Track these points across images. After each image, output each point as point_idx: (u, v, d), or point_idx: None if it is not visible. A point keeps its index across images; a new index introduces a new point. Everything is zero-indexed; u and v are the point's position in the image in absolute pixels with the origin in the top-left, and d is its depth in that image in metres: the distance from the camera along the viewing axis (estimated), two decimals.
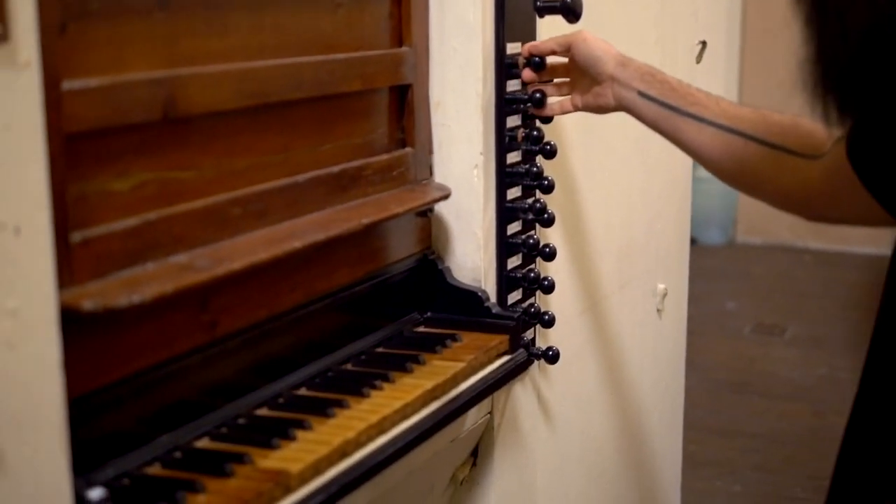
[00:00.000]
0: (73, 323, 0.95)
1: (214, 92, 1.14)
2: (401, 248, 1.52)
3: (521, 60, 1.59)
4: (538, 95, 1.58)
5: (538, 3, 1.61)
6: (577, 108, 1.61)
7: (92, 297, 0.97)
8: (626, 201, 2.11)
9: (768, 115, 1.45)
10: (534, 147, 1.62)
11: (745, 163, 1.46)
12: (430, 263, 1.57)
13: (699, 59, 2.59)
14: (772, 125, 1.44)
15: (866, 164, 1.28)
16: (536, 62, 1.57)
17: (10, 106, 0.85)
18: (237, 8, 1.18)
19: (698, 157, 1.52)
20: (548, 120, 1.63)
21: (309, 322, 1.35)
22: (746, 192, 1.54)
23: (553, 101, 1.61)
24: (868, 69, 1.00)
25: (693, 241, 2.66)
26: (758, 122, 1.44)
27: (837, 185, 1.32)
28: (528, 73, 1.59)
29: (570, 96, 1.61)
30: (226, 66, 1.16)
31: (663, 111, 1.51)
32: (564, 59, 1.59)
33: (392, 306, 1.53)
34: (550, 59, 1.60)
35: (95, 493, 0.97)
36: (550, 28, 1.67)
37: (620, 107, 1.56)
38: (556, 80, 1.62)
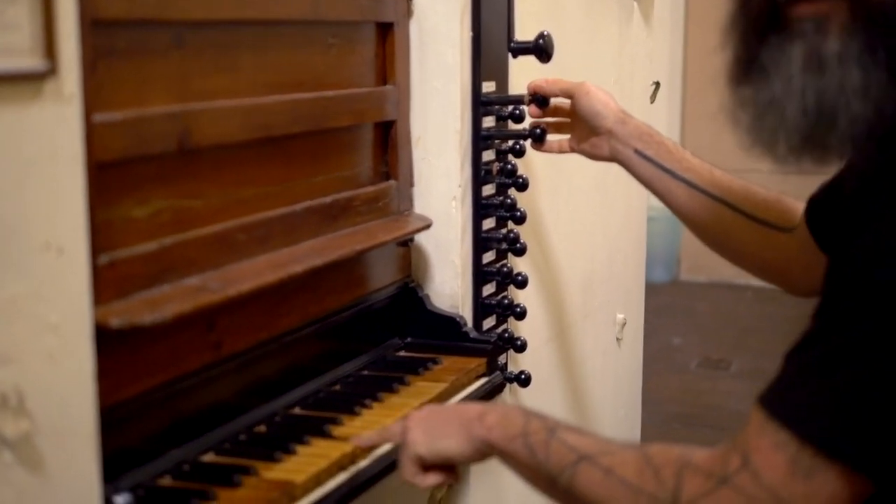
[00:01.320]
0: (101, 339, 1.01)
1: (224, 125, 1.22)
2: (384, 275, 1.59)
3: (527, 97, 1.66)
4: (538, 131, 1.65)
5: (512, 45, 1.70)
6: (573, 151, 1.66)
7: (118, 314, 1.04)
8: (588, 235, 2.21)
9: (754, 189, 1.48)
10: (507, 180, 1.71)
11: (731, 233, 1.51)
12: (410, 291, 1.65)
13: (653, 98, 2.71)
14: (757, 199, 1.48)
15: (821, 226, 1.33)
16: (540, 100, 1.64)
17: (58, 136, 0.92)
18: (243, 47, 1.26)
19: (687, 220, 1.56)
20: (520, 154, 1.71)
21: (301, 345, 1.42)
22: (729, 259, 1.57)
23: (552, 139, 1.68)
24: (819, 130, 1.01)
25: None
26: (744, 195, 1.48)
27: (809, 255, 1.35)
28: (533, 110, 1.65)
29: (568, 137, 1.67)
30: (234, 101, 1.24)
31: (658, 172, 1.55)
32: (567, 101, 1.64)
33: (375, 331, 1.60)
34: (553, 101, 1.66)
35: (122, 498, 1.03)
36: (523, 67, 1.76)
37: (615, 160, 1.60)
38: (557, 119, 1.68)
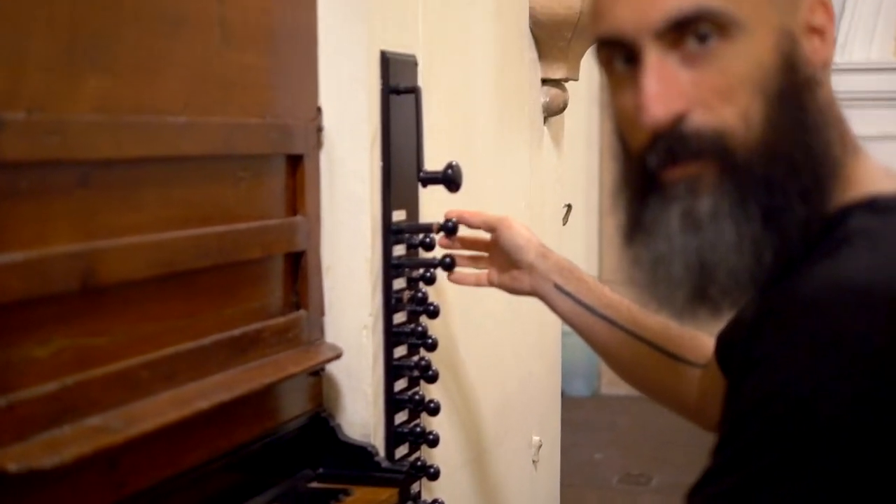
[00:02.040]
0: None
1: (128, 263, 1.22)
2: (294, 406, 1.59)
3: (436, 225, 1.69)
4: (448, 260, 1.68)
5: (421, 175, 1.73)
6: (491, 285, 1.69)
7: (17, 459, 1.02)
8: (501, 358, 2.22)
9: (670, 326, 1.49)
10: (418, 308, 1.72)
11: (649, 369, 1.53)
12: (321, 420, 1.64)
13: (565, 221, 2.76)
14: (673, 336, 1.50)
15: (729, 363, 1.33)
16: (449, 227, 1.67)
17: None
18: (149, 184, 1.27)
19: (605, 355, 1.58)
20: (431, 282, 1.73)
21: (209, 480, 1.40)
22: (648, 394, 1.58)
23: (469, 272, 1.71)
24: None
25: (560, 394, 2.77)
26: (661, 332, 1.50)
27: (722, 391, 1.40)
28: (443, 240, 1.69)
29: (486, 271, 1.69)
30: (139, 238, 1.24)
31: (577, 307, 1.58)
32: (485, 235, 1.68)
33: (286, 463, 1.58)
34: (472, 232, 1.69)
35: None
36: (433, 195, 1.79)
37: (535, 294, 1.63)
38: (474, 253, 1.71)
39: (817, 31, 1.07)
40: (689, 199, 1.03)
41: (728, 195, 1.01)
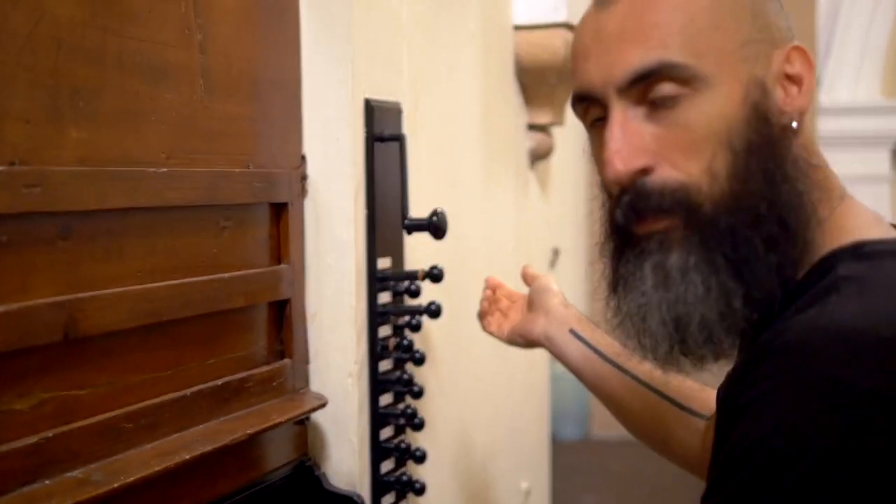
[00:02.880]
0: None
1: (111, 313, 1.21)
2: (279, 455, 1.57)
3: (422, 272, 1.73)
4: (433, 307, 1.72)
5: (406, 222, 1.73)
6: (500, 335, 1.73)
7: None
8: (489, 405, 2.21)
9: (678, 377, 1.45)
10: (404, 355, 1.72)
11: (658, 420, 1.52)
12: (306, 470, 1.63)
13: (553, 264, 2.76)
14: (682, 386, 1.49)
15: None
16: (435, 275, 1.74)
17: None
18: (132, 234, 1.26)
19: (617, 409, 1.57)
20: (416, 329, 1.73)
21: None
22: (656, 448, 1.57)
23: (492, 320, 1.76)
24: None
25: (551, 439, 2.76)
26: (670, 383, 1.49)
27: None
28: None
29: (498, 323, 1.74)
30: (122, 288, 1.23)
31: (590, 353, 1.58)
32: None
33: None
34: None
35: None
36: (419, 242, 1.79)
37: (547, 339, 1.64)
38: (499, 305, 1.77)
39: (794, 80, 1.07)
40: (660, 254, 1.05)
41: (695, 249, 1.03)
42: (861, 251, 1.03)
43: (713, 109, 1.03)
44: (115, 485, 1.15)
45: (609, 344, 1.56)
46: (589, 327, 1.61)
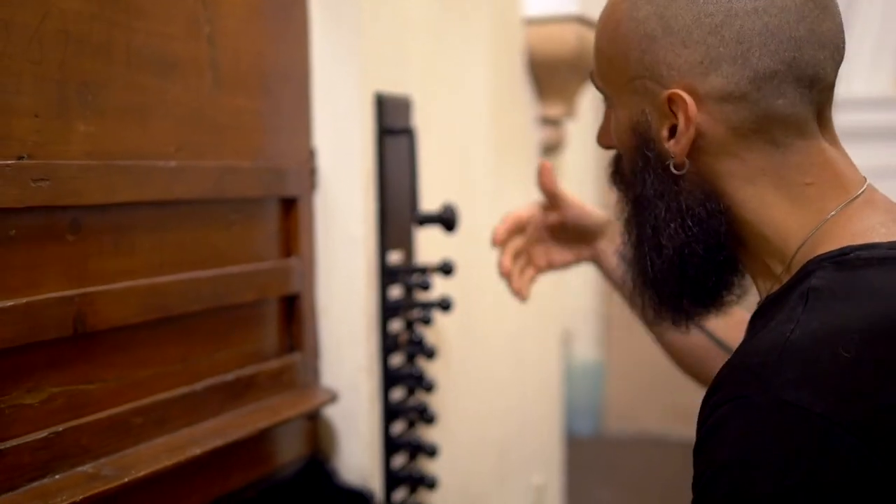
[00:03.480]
0: None
1: (120, 308, 1.21)
2: (289, 450, 1.57)
3: (433, 266, 1.69)
4: (444, 301, 1.69)
5: (417, 215, 1.72)
6: (540, 271, 1.59)
7: None
8: (502, 399, 2.20)
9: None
10: (415, 349, 1.71)
11: (702, 360, 1.47)
12: (317, 465, 1.63)
13: None
14: (732, 324, 1.42)
15: None
16: (446, 269, 1.69)
17: None
18: (141, 228, 1.26)
19: (658, 335, 1.51)
20: (428, 322, 1.72)
21: None
22: (700, 382, 1.49)
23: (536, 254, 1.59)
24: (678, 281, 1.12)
25: (565, 434, 2.76)
26: (718, 324, 1.44)
27: None
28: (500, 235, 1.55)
29: (530, 271, 1.58)
30: (131, 282, 1.23)
31: None
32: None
33: None
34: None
35: None
36: (430, 236, 1.78)
37: (594, 257, 1.55)
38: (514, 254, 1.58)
39: (670, 121, 1.06)
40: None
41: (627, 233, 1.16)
42: (843, 259, 0.99)
43: (617, 127, 1.14)
44: (126, 479, 1.15)
45: None
46: None
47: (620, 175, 1.17)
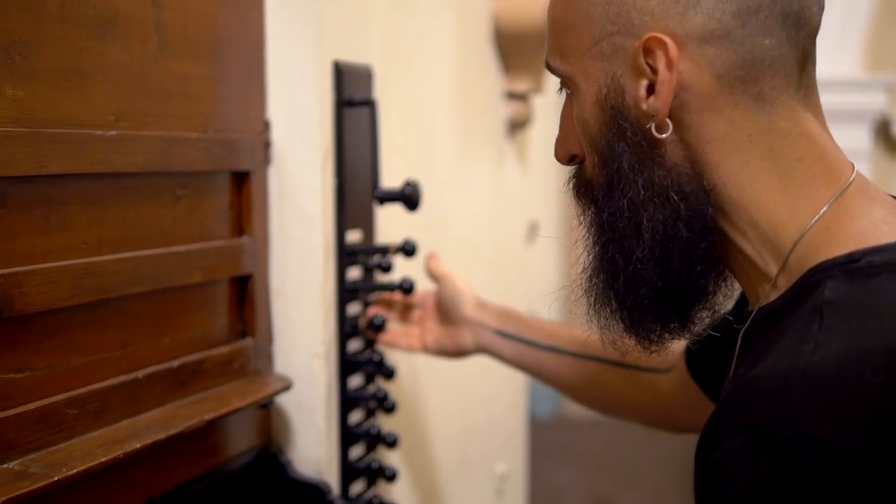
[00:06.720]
0: None
1: (52, 289, 1.10)
2: (240, 441, 1.48)
3: (394, 246, 1.62)
4: (406, 284, 1.60)
5: (377, 193, 1.63)
6: (426, 350, 1.64)
7: None
8: (464, 384, 2.12)
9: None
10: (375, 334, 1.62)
11: (604, 386, 1.48)
12: (270, 457, 1.53)
13: (532, 237, 2.67)
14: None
15: (702, 371, 1.32)
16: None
17: None
18: (76, 203, 1.16)
19: (562, 387, 1.54)
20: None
21: None
22: (610, 413, 1.54)
23: (402, 332, 1.65)
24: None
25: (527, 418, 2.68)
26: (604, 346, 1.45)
27: (690, 394, 1.34)
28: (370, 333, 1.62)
29: (417, 333, 1.65)
30: (64, 262, 1.13)
31: (522, 347, 1.54)
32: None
33: (232, 503, 1.47)
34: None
35: None
36: (391, 214, 1.69)
37: (479, 348, 1.59)
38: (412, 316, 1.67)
39: (647, 78, 0.96)
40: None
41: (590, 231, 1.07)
42: (853, 266, 0.90)
43: (579, 111, 1.02)
44: (56, 477, 1.05)
45: (537, 331, 1.55)
46: (512, 320, 1.58)
47: (582, 182, 1.06)
